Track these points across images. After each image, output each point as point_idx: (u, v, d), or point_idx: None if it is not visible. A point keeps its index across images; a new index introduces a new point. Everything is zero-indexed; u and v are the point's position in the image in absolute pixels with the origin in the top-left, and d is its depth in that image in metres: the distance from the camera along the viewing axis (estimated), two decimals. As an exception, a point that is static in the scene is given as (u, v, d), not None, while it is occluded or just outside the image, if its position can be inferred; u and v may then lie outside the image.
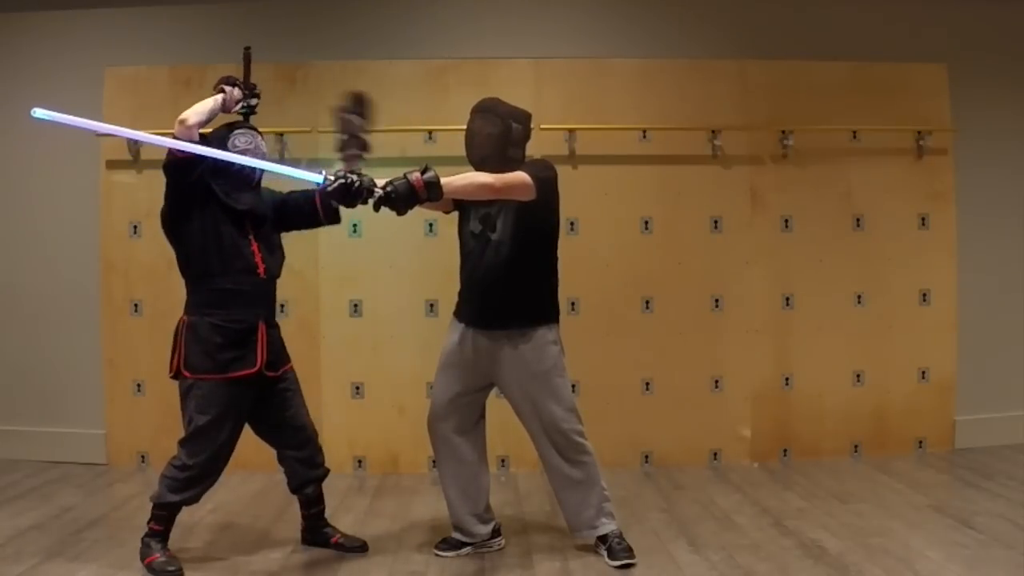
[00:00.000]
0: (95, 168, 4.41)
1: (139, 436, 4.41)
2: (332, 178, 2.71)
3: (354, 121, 2.82)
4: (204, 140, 2.85)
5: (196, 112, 2.84)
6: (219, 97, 2.95)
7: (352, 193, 2.71)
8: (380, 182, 2.74)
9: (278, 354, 3.07)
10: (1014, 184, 4.64)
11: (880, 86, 4.50)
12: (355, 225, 4.35)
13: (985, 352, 4.57)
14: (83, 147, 4.28)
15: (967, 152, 4.53)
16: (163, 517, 2.99)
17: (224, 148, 2.89)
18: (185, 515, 3.55)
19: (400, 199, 2.72)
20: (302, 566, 3.07)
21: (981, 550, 3.09)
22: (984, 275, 4.57)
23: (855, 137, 4.50)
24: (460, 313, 3.17)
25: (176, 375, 2.98)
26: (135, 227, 4.40)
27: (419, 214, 3.11)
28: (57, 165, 4.42)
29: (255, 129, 3.04)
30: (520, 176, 2.90)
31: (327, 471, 3.23)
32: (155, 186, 4.38)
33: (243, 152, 2.92)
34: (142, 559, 2.97)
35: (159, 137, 2.95)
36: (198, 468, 2.93)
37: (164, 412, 4.40)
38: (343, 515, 3.41)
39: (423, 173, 2.73)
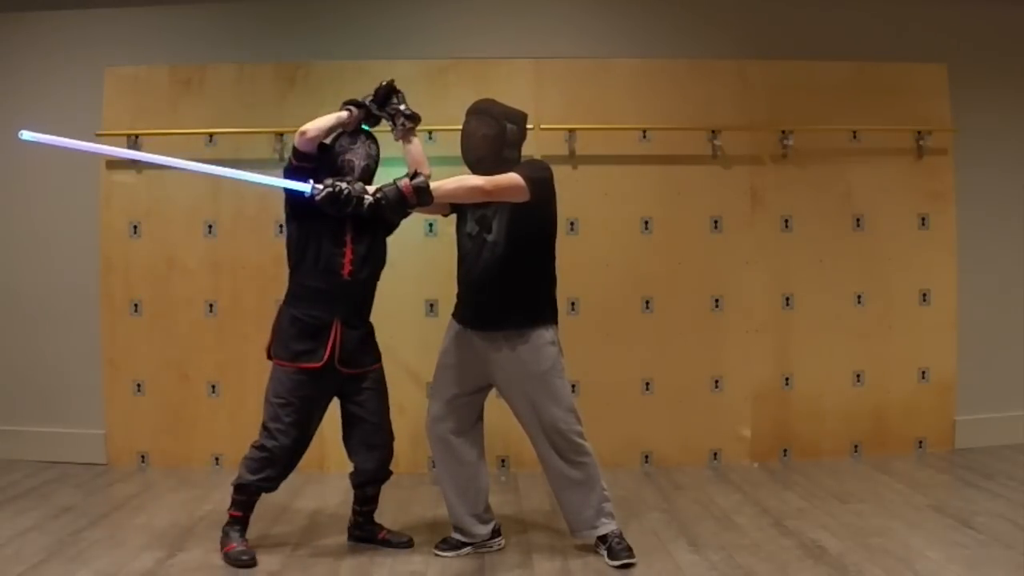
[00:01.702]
0: (95, 168, 4.41)
1: (139, 436, 4.41)
2: (320, 187, 2.71)
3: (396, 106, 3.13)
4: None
5: (317, 126, 2.94)
6: (342, 114, 3.04)
7: (341, 201, 2.72)
8: (370, 189, 2.74)
9: (354, 352, 3.12)
10: (1014, 184, 4.64)
11: (880, 86, 4.50)
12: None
13: (985, 352, 4.57)
14: (83, 147, 4.28)
15: (967, 152, 4.52)
16: (242, 503, 3.08)
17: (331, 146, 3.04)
18: (185, 515, 3.57)
19: (390, 206, 2.72)
20: (302, 566, 3.06)
21: (981, 550, 3.09)
22: (984, 275, 4.57)
23: (855, 137, 4.50)
24: (457, 314, 3.17)
25: (269, 357, 3.14)
26: (135, 227, 4.40)
27: (418, 215, 3.11)
28: (57, 165, 4.40)
29: (372, 137, 3.13)
30: (512, 178, 2.89)
31: (390, 474, 3.30)
32: (155, 186, 4.46)
33: (343, 152, 3.02)
34: (221, 548, 3.06)
35: (141, 153, 2.98)
36: (275, 450, 3.03)
37: (164, 412, 4.42)
38: (344, 514, 3.41)
39: (412, 179, 2.72)
